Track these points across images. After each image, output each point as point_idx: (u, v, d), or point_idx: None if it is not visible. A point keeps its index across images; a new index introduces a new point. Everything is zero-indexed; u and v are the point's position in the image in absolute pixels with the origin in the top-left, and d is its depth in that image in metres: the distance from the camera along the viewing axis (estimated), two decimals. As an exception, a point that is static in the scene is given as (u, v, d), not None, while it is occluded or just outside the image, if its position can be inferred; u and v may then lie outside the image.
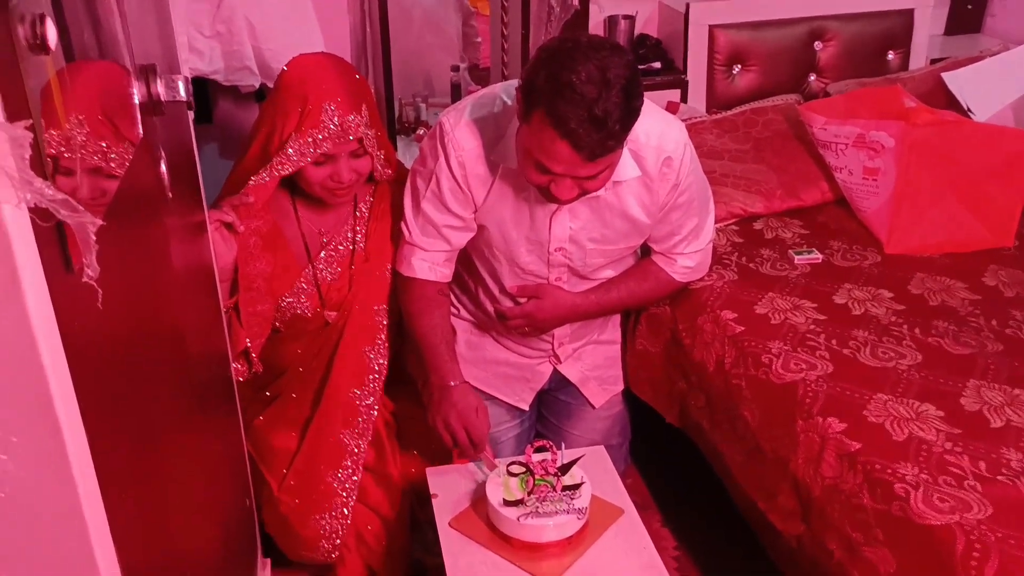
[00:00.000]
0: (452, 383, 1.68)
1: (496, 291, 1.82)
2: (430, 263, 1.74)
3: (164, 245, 1.07)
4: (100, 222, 0.51)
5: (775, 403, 1.61)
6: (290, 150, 1.60)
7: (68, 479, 0.60)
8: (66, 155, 0.75)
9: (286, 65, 1.67)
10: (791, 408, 1.56)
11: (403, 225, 1.73)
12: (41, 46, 0.59)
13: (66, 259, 0.59)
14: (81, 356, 0.60)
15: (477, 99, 1.70)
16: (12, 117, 0.52)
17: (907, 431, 1.45)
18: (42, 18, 0.58)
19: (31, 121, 0.48)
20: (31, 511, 0.62)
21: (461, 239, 1.73)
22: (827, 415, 1.50)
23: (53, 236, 0.57)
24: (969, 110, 2.41)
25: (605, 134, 1.37)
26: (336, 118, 1.59)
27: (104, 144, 0.85)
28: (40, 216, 0.49)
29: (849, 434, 1.45)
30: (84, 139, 0.79)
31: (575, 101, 1.34)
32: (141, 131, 0.94)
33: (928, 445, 1.41)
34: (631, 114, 1.40)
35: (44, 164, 0.52)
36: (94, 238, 0.50)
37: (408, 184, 1.73)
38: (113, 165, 0.86)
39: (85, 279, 0.52)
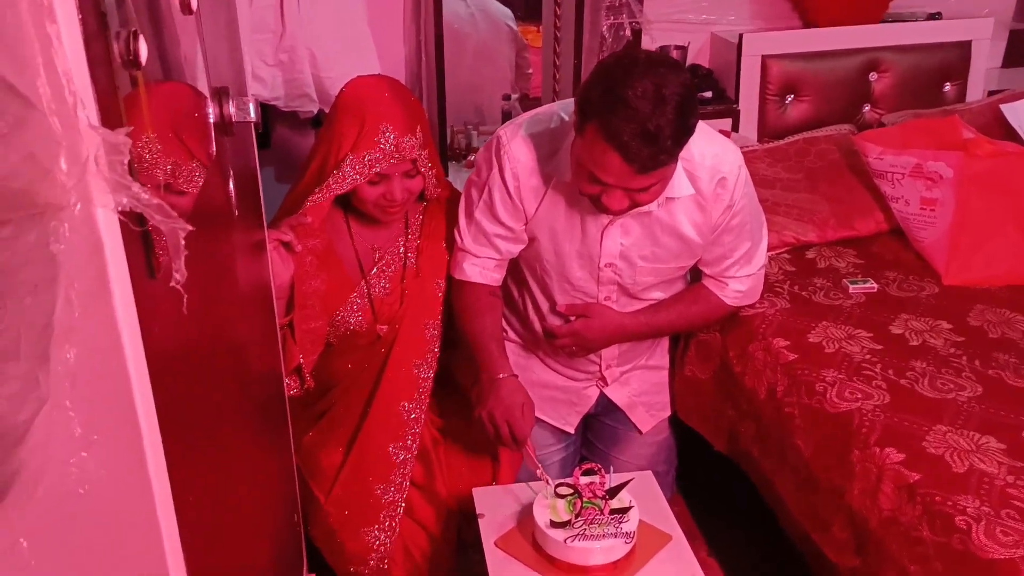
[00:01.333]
0: (501, 375, 1.70)
1: (545, 308, 1.83)
2: (480, 267, 1.78)
3: (231, 261, 1.11)
4: (190, 227, 0.54)
5: (829, 432, 1.58)
6: (346, 169, 1.65)
7: (145, 482, 0.62)
8: (137, 167, 0.78)
9: (343, 88, 1.72)
10: (847, 438, 1.53)
11: (456, 232, 1.78)
12: (134, 62, 0.62)
13: (150, 266, 0.61)
14: (161, 361, 0.62)
15: (534, 115, 1.74)
16: (108, 125, 0.55)
17: (968, 463, 1.41)
18: (135, 35, 0.62)
19: (131, 128, 0.50)
20: (108, 509, 0.63)
21: (511, 249, 1.76)
22: (885, 445, 1.47)
23: (139, 242, 0.60)
24: (1029, 141, 2.36)
25: (657, 149, 1.40)
26: (392, 139, 1.63)
27: (172, 161, 0.88)
28: (131, 221, 0.51)
29: (908, 465, 1.42)
30: (154, 155, 0.83)
31: (628, 115, 1.38)
32: (214, 150, 0.97)
33: (990, 478, 1.38)
34: (684, 131, 1.42)
35: (134, 171, 0.55)
36: (183, 243, 0.53)
37: (463, 194, 1.78)
38: (181, 181, 0.90)
39: (173, 283, 0.54)
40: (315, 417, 1.88)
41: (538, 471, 1.59)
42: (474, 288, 1.79)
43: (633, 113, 1.38)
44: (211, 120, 0.99)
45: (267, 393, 1.46)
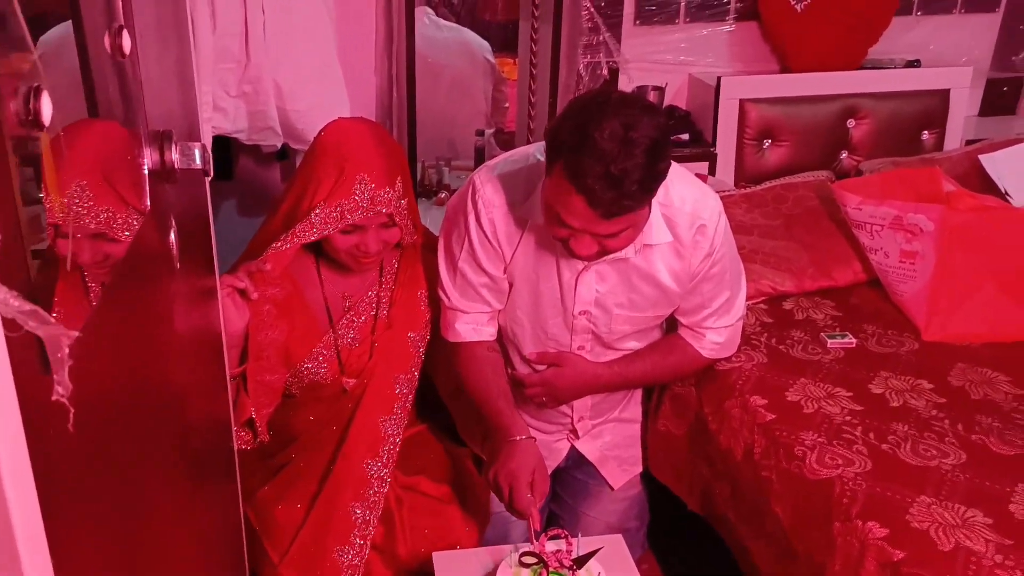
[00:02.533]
0: (517, 437, 1.60)
1: (516, 358, 1.76)
2: (474, 325, 1.69)
3: (168, 313, 1.02)
4: (75, 334, 0.45)
5: (809, 501, 1.51)
6: (316, 218, 1.56)
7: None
8: (64, 220, 0.70)
9: (323, 130, 1.63)
10: (827, 508, 1.46)
11: (440, 291, 1.69)
12: (35, 122, 0.54)
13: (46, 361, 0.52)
14: (49, 442, 0.53)
15: (509, 156, 1.68)
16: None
17: (954, 540, 1.34)
18: (37, 91, 0.53)
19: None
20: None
21: (499, 300, 1.69)
22: (867, 518, 1.40)
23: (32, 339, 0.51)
24: (1007, 193, 2.34)
25: (621, 193, 1.33)
26: (368, 191, 1.55)
27: (107, 209, 0.80)
28: (6, 326, 0.43)
29: (892, 541, 1.35)
30: (87, 204, 0.75)
31: (594, 157, 1.32)
32: (148, 202, 0.89)
33: (977, 557, 1.31)
34: (654, 176, 1.36)
35: (27, 261, 0.46)
36: (67, 351, 0.44)
37: (441, 248, 1.69)
38: (117, 229, 0.82)
39: (55, 397, 0.45)
40: (272, 470, 1.77)
41: (535, 540, 1.48)
42: (471, 348, 1.70)
43: (599, 155, 1.31)
44: (147, 167, 0.90)
45: (210, 446, 1.37)
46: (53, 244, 0.69)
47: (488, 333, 1.71)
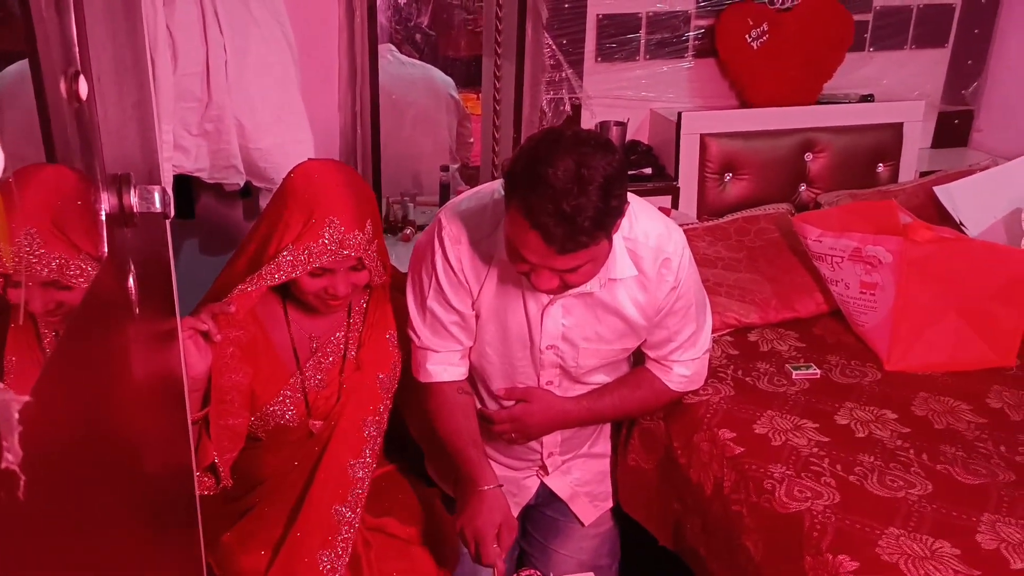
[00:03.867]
0: (485, 487, 1.60)
1: (485, 393, 1.75)
2: (445, 364, 1.69)
3: (126, 360, 0.99)
4: (26, 399, 0.43)
5: (780, 534, 1.51)
6: (283, 260, 1.53)
7: None
8: (15, 269, 0.68)
9: (293, 171, 1.62)
10: (798, 541, 1.46)
11: (410, 331, 1.68)
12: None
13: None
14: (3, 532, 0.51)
15: (474, 193, 1.69)
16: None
17: (923, 572, 1.35)
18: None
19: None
20: None
21: (468, 337, 1.68)
22: (838, 552, 1.40)
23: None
24: (961, 224, 2.40)
25: (574, 229, 1.34)
26: (338, 235, 1.53)
27: (59, 256, 0.78)
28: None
29: (862, 575, 1.35)
30: (38, 252, 0.73)
31: (546, 195, 1.33)
32: (106, 247, 0.87)
33: (947, 588, 1.31)
34: (607, 213, 1.37)
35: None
36: (16, 416, 0.42)
37: (409, 286, 1.68)
38: (70, 276, 0.80)
39: (4, 464, 0.43)
40: (236, 515, 1.72)
41: None
42: (442, 390, 1.69)
43: (552, 192, 1.33)
44: (104, 211, 0.88)
45: (171, 494, 1.33)
46: (3, 293, 0.67)
47: (459, 373, 1.70)
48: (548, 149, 1.36)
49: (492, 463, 1.85)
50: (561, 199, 1.32)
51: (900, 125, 2.75)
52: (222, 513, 1.73)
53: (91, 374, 0.83)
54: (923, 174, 2.77)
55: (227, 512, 1.73)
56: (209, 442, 1.56)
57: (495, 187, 1.65)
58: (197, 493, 1.53)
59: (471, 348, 1.72)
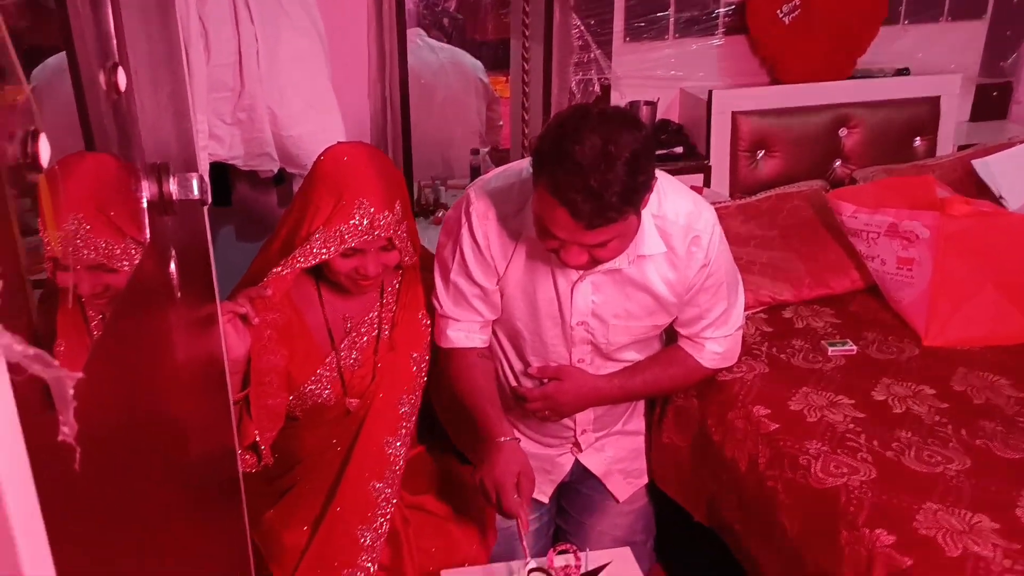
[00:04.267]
0: (501, 439, 1.61)
1: (518, 370, 1.77)
2: (466, 332, 1.71)
3: (169, 343, 1.02)
4: (79, 375, 0.46)
5: (816, 510, 1.51)
6: (315, 243, 1.56)
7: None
8: (64, 253, 0.71)
9: (322, 154, 1.64)
10: (834, 517, 1.46)
11: (434, 299, 1.72)
12: (33, 165, 0.54)
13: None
14: (56, 483, 0.53)
15: (503, 170, 1.71)
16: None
17: (962, 546, 1.34)
18: (35, 135, 0.54)
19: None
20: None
21: (491, 311, 1.70)
22: (874, 526, 1.39)
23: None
24: (1001, 197, 2.35)
25: (601, 205, 1.35)
26: (368, 216, 1.55)
27: (106, 240, 0.81)
28: (15, 369, 0.43)
29: (900, 549, 1.35)
30: (84, 236, 0.75)
31: (573, 171, 1.34)
32: (148, 233, 0.89)
33: (986, 562, 1.30)
34: (634, 188, 1.38)
35: (30, 303, 0.47)
36: (71, 392, 0.44)
37: (437, 258, 1.71)
38: (115, 260, 0.82)
39: (61, 438, 0.46)
40: (278, 493, 1.77)
41: (523, 543, 1.49)
42: (462, 353, 1.72)
43: (578, 168, 1.34)
44: (145, 199, 0.91)
45: (216, 472, 1.36)
46: (53, 277, 0.69)
47: (480, 340, 1.73)
48: (575, 126, 1.37)
49: (527, 441, 1.87)
50: (588, 175, 1.33)
51: (937, 99, 2.70)
52: (264, 492, 1.77)
53: (137, 355, 0.85)
54: (961, 148, 2.72)
55: (269, 491, 1.78)
56: (250, 421, 1.60)
57: (524, 165, 1.66)
58: (240, 471, 1.57)
59: (501, 325, 1.73)
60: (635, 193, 1.38)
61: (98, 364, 0.65)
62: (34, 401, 0.46)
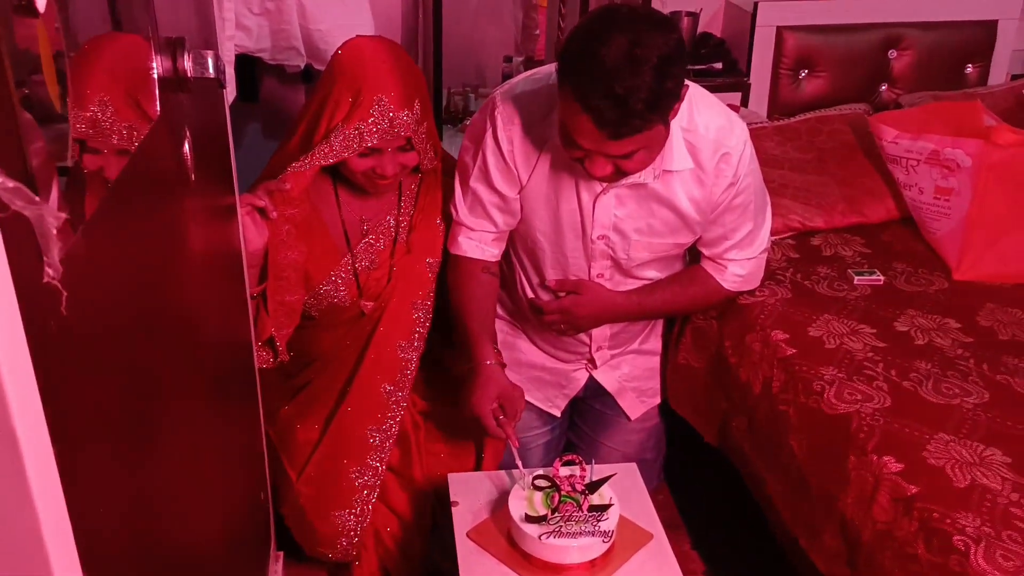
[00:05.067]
0: (485, 362, 1.62)
1: (535, 283, 1.75)
2: (478, 241, 1.69)
3: (181, 224, 1.01)
4: (63, 216, 0.45)
5: (825, 434, 1.50)
6: (335, 140, 1.53)
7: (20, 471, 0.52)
8: (91, 135, 0.69)
9: (340, 48, 1.59)
10: (843, 442, 1.45)
11: (452, 204, 1.69)
12: (27, 7, 0.52)
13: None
14: (51, 350, 0.53)
15: (532, 73, 1.65)
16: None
17: (970, 477, 1.33)
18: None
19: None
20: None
21: (507, 222, 1.67)
22: (883, 453, 1.38)
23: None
24: (1053, 130, 2.25)
25: (626, 112, 1.29)
26: (387, 113, 1.52)
27: (129, 125, 0.79)
28: (1, 205, 0.42)
29: (906, 476, 1.34)
30: (110, 119, 0.74)
31: (597, 76, 1.28)
32: (159, 107, 0.87)
33: (993, 495, 1.30)
34: (661, 95, 1.31)
35: (21, 134, 0.45)
36: (55, 232, 0.43)
37: (459, 162, 1.68)
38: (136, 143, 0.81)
39: (46, 279, 0.45)
40: (293, 391, 1.80)
41: (517, 460, 1.52)
42: (469, 264, 1.70)
43: (603, 73, 1.27)
44: (156, 74, 0.88)
45: (230, 364, 1.38)
46: (79, 160, 0.68)
47: (491, 253, 1.71)
48: (601, 27, 1.30)
49: (542, 355, 1.88)
50: (613, 80, 1.27)
51: (994, 23, 2.56)
52: (281, 388, 1.80)
53: (144, 229, 0.85)
54: (1015, 77, 2.60)
55: (285, 387, 1.81)
56: (267, 317, 1.61)
57: (551, 69, 1.61)
58: (256, 366, 1.60)
59: (521, 236, 1.71)
60: (663, 100, 1.32)
61: (100, 228, 0.64)
62: (24, 243, 0.45)
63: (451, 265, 1.73)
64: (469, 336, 1.65)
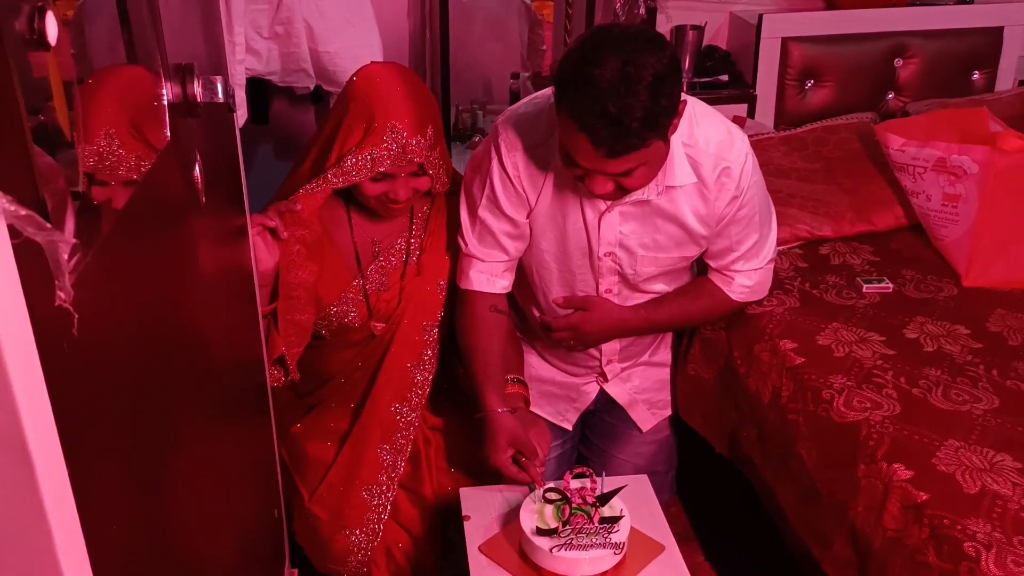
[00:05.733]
0: (496, 411, 1.60)
1: (544, 301, 1.76)
2: (488, 274, 1.69)
3: (193, 249, 1.04)
4: (73, 241, 0.47)
5: (835, 443, 1.50)
6: (347, 165, 1.56)
7: (32, 482, 0.54)
8: (98, 168, 0.71)
9: (355, 75, 1.62)
10: (853, 450, 1.45)
11: (460, 237, 1.69)
12: (39, 41, 0.54)
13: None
14: (64, 371, 0.55)
15: (532, 98, 1.66)
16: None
17: (980, 483, 1.33)
18: (41, 10, 0.54)
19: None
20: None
21: (518, 248, 1.68)
22: (892, 461, 1.39)
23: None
24: (1060, 135, 2.25)
25: (622, 131, 1.31)
26: (400, 140, 1.54)
27: (137, 156, 0.81)
28: (12, 232, 0.44)
29: (916, 483, 1.34)
30: (117, 152, 0.76)
31: (591, 96, 1.30)
32: (168, 133, 0.90)
33: (1003, 500, 1.29)
34: (657, 113, 1.32)
35: (33, 162, 0.47)
36: (66, 257, 0.45)
37: (463, 193, 1.68)
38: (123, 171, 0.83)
39: (58, 303, 0.47)
40: (306, 409, 1.82)
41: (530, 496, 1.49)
42: (476, 302, 1.68)
43: (598, 93, 1.29)
44: (166, 100, 0.91)
45: (242, 383, 1.40)
46: (88, 192, 0.70)
47: (501, 285, 1.70)
48: (594, 47, 1.32)
49: (553, 369, 1.89)
50: (607, 100, 1.28)
51: (1000, 29, 2.57)
52: (293, 406, 1.82)
53: (155, 253, 0.87)
54: (1022, 83, 2.60)
55: (297, 406, 1.83)
56: (278, 336, 1.63)
57: (551, 92, 1.63)
58: (269, 384, 1.62)
59: (529, 256, 1.71)
60: (658, 118, 1.33)
61: (111, 252, 0.67)
62: (36, 268, 0.47)
63: (459, 302, 1.72)
64: (476, 384, 1.64)
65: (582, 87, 1.31)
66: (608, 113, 1.29)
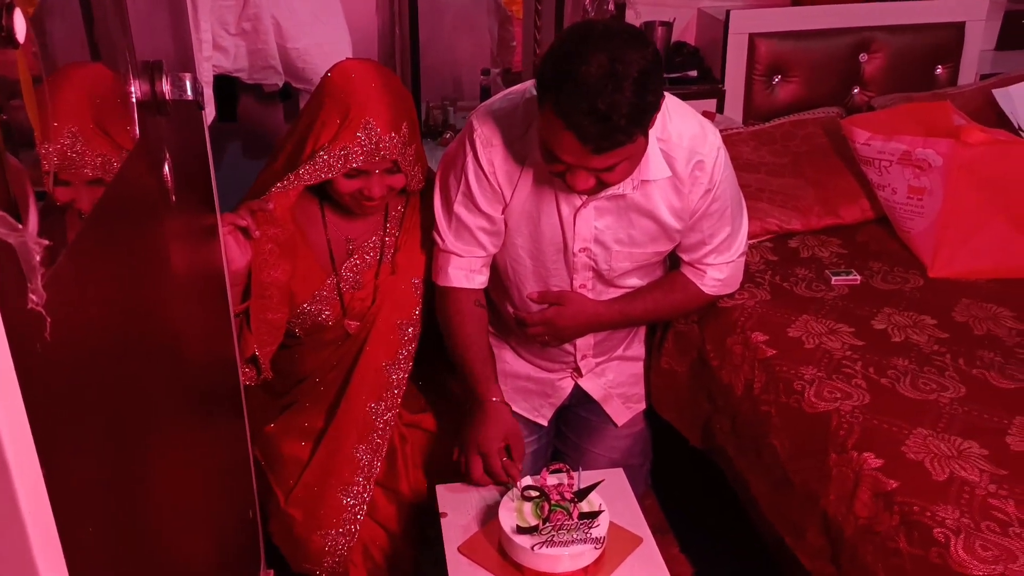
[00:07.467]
0: (492, 400, 1.62)
1: (518, 297, 1.76)
2: (466, 270, 1.68)
3: (163, 249, 1.02)
4: (46, 243, 0.46)
5: (806, 433, 1.52)
6: (320, 161, 1.54)
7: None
8: (61, 168, 0.70)
9: (330, 71, 1.61)
10: (823, 440, 1.48)
11: (435, 234, 1.68)
12: (7, 39, 0.54)
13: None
14: (37, 373, 0.54)
15: (506, 94, 1.66)
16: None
17: (948, 470, 1.35)
18: (9, 7, 0.53)
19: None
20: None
21: (494, 243, 1.68)
22: (863, 449, 1.41)
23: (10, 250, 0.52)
24: (1020, 128, 2.29)
25: (609, 128, 1.32)
26: (374, 136, 1.53)
27: (101, 155, 0.80)
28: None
29: (886, 471, 1.36)
30: (80, 150, 0.75)
31: (579, 93, 1.30)
32: (138, 132, 0.89)
33: (971, 487, 1.32)
34: (643, 109, 1.34)
35: (3, 161, 0.46)
36: (38, 259, 0.45)
37: (438, 189, 1.67)
38: (111, 174, 0.82)
39: (31, 305, 0.46)
40: (280, 409, 1.80)
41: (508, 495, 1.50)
42: (458, 298, 1.69)
43: (585, 91, 1.29)
44: (135, 98, 0.90)
45: (215, 383, 1.38)
46: (52, 192, 0.69)
47: (479, 281, 1.70)
48: (579, 44, 1.32)
49: (527, 365, 1.89)
50: (595, 97, 1.29)
51: (962, 24, 2.61)
52: (266, 406, 1.80)
53: (126, 253, 0.86)
54: (984, 77, 2.65)
55: (271, 406, 1.81)
56: (250, 335, 1.62)
57: (527, 87, 1.62)
58: (242, 383, 1.60)
59: (502, 251, 1.71)
60: (644, 114, 1.35)
61: (82, 253, 0.66)
62: (6, 267, 0.46)
63: (440, 298, 1.72)
64: (473, 375, 1.65)
65: (568, 84, 1.31)
66: (596, 110, 1.29)
